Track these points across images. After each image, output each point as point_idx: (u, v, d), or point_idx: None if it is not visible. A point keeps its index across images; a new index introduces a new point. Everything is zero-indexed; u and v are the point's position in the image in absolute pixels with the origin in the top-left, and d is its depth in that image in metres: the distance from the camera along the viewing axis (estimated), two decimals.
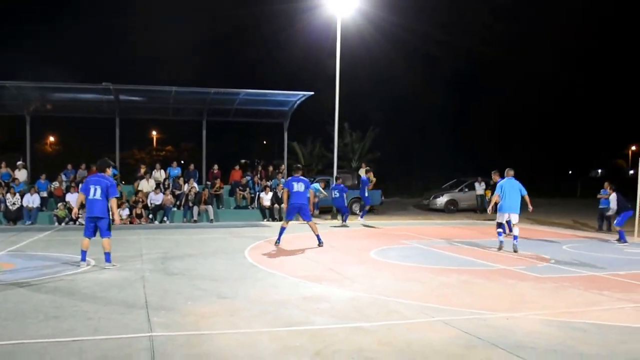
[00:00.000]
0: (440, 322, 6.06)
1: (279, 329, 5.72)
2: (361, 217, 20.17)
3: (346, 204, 18.99)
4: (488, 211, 13.18)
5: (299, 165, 13.47)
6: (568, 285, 8.20)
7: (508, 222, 12.81)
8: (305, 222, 12.64)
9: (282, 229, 12.72)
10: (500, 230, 12.38)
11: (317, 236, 12.53)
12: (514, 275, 9.03)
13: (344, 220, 18.58)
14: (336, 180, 19.66)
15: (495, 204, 12.39)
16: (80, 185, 18.66)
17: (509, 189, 12.11)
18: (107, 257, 9.47)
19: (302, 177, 12.68)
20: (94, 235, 9.44)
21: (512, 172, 12.31)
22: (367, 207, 20.82)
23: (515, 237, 11.85)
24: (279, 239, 12.65)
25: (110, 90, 20.11)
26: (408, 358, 4.90)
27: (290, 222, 12.82)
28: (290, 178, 12.82)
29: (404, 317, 6.29)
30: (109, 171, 9.63)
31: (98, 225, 9.30)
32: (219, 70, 51.73)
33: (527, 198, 12.45)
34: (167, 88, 20.57)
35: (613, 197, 15.10)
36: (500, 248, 12.07)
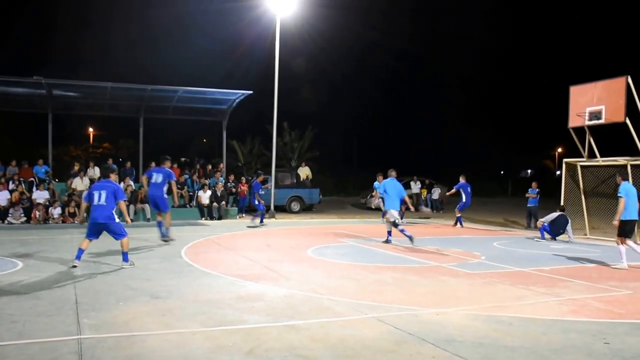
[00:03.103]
0: (373, 318, 6.18)
1: (212, 328, 5.69)
2: (261, 221, 18.11)
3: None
4: (373, 205, 14.18)
5: (167, 156, 13.05)
6: (496, 281, 8.52)
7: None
8: (163, 213, 12.48)
9: (159, 223, 12.63)
10: (390, 230, 13.18)
11: (166, 229, 12.55)
12: (446, 272, 9.30)
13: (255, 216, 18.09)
14: (257, 178, 18.36)
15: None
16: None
17: (391, 189, 12.96)
18: (125, 256, 9.37)
19: (164, 168, 12.45)
20: (98, 237, 9.41)
21: (394, 173, 13.34)
22: (259, 213, 18.22)
23: (402, 231, 12.68)
24: (163, 234, 12.59)
25: (42, 85, 19.38)
26: (340, 354, 4.98)
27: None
28: (152, 168, 12.75)
29: (337, 314, 6.38)
30: (114, 177, 9.70)
31: (109, 231, 9.18)
32: (158, 67, 50.65)
33: (406, 198, 13.47)
34: (103, 84, 20.00)
35: (555, 215, 14.67)
36: (387, 241, 13.04)
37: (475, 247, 12.62)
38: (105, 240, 12.89)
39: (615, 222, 10.21)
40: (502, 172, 56.31)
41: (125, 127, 36.13)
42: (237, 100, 22.09)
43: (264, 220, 18.10)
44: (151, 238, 13.70)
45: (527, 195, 18.52)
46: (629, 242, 10.22)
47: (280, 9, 21.05)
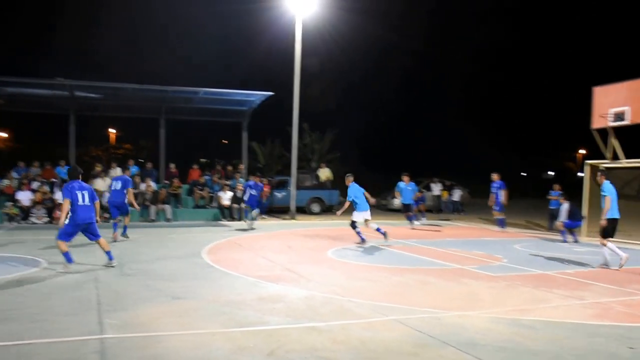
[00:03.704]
0: (394, 321, 6.14)
1: (233, 329, 5.70)
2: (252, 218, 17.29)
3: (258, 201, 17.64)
4: (337, 214, 14.49)
5: (129, 165, 14.42)
6: (519, 284, 8.42)
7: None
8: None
9: (115, 225, 13.41)
10: (359, 229, 13.20)
11: (124, 227, 13.58)
12: (467, 275, 9.21)
13: (253, 217, 17.13)
14: (253, 178, 17.58)
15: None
16: (33, 184, 18.43)
17: (359, 193, 13.27)
18: (110, 255, 9.41)
19: (122, 176, 13.68)
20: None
21: (351, 178, 13.66)
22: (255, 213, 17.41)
23: (378, 229, 13.13)
24: (123, 232, 13.54)
25: (65, 86, 19.64)
26: (362, 357, 4.95)
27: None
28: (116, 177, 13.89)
29: (358, 316, 6.35)
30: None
31: (89, 231, 9.15)
32: (180, 68, 51.14)
33: (366, 194, 13.54)
34: (125, 85, 20.22)
35: (565, 207, 15.04)
36: (362, 242, 13.04)
37: (496, 250, 12.50)
38: (125, 243, 13.03)
39: (603, 222, 10.18)
40: (523, 174, 55.77)
41: (146, 128, 36.51)
42: (257, 102, 22.17)
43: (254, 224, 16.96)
44: (171, 238, 13.81)
45: (548, 197, 18.28)
46: (609, 244, 10.17)
47: (301, 10, 21.07)
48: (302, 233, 16.02)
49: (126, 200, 13.46)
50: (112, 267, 9.29)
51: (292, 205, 21.43)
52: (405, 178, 17.48)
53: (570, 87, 53.81)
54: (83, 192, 9.00)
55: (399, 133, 48.86)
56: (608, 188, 10.32)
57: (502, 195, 16.99)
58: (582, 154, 55.74)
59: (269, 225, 18.13)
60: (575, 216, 14.60)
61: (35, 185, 18.51)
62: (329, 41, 32.03)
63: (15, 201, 17.57)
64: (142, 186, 19.46)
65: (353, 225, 13.19)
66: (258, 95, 21.59)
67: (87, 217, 9.00)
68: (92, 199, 9.12)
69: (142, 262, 10.03)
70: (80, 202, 8.93)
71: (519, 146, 54.38)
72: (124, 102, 22.21)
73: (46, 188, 18.43)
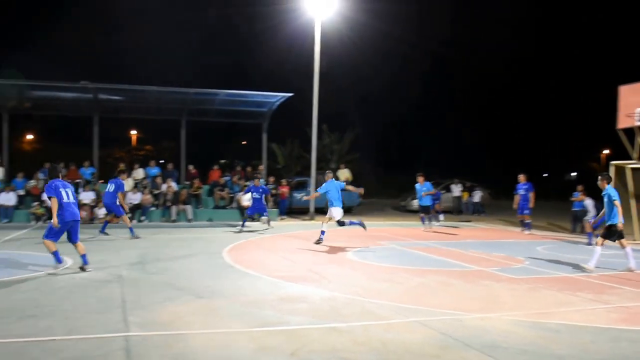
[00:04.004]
0: (415, 322, 6.13)
1: (255, 329, 5.75)
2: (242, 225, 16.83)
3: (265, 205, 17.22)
4: (303, 198, 14.98)
5: (121, 168, 15.09)
6: (541, 287, 8.35)
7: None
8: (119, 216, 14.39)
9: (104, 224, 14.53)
10: (324, 229, 13.26)
11: (130, 228, 14.08)
12: (488, 277, 9.16)
13: (267, 221, 17.23)
14: (255, 182, 17.08)
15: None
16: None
17: (333, 190, 13.23)
18: (85, 259, 9.06)
19: (117, 179, 14.22)
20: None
21: (330, 175, 13.85)
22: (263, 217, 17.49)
23: (351, 222, 13.41)
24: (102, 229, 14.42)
25: (89, 89, 19.93)
26: (384, 358, 4.96)
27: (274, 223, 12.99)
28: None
29: (380, 317, 6.36)
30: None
31: (75, 230, 8.96)
32: (199, 70, 51.47)
33: (349, 187, 13.82)
34: (147, 88, 20.44)
35: (589, 202, 15.10)
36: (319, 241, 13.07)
37: (518, 252, 12.40)
38: (147, 242, 13.19)
39: (620, 225, 9.99)
40: (545, 175, 55.15)
41: (167, 129, 36.86)
42: (277, 103, 22.26)
43: (246, 225, 16.72)
44: (192, 238, 13.94)
45: (572, 199, 18.03)
46: (598, 247, 10.06)
47: (320, 12, 21.11)
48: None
49: (117, 202, 14.12)
50: (87, 271, 8.85)
51: (312, 206, 21.46)
52: (420, 178, 17.22)
53: (593, 86, 53.02)
54: (67, 189, 8.87)
55: (419, 134, 48.60)
56: (614, 193, 10.12)
57: (531, 198, 16.69)
58: (606, 154, 55.00)
59: (288, 226, 18.19)
60: (599, 212, 14.47)
61: None
62: (348, 43, 32.07)
63: (41, 201, 17.89)
64: (164, 187, 19.66)
65: (341, 223, 13.20)
66: (277, 97, 21.68)
67: (74, 214, 8.84)
68: (75, 197, 9.02)
69: (165, 261, 10.15)
70: (65, 199, 8.77)
71: (540, 146, 53.79)
72: (146, 104, 22.45)
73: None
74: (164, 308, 6.53)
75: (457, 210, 26.27)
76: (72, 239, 9.00)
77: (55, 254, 8.83)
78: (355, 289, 7.88)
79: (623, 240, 10.12)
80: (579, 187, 17.87)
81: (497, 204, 29.15)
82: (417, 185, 17.41)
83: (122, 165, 21.24)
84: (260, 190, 16.70)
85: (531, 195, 16.69)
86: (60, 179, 9.06)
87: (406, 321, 6.19)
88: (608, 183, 10.38)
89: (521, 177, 16.99)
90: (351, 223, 13.39)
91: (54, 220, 8.63)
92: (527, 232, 16.85)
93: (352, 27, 26.85)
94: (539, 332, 5.85)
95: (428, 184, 17.46)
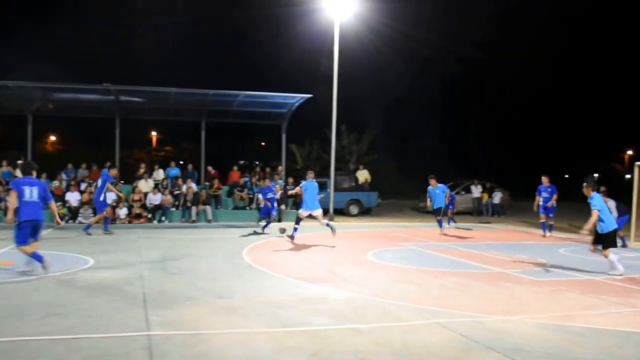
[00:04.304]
0: (436, 324, 6.09)
1: (276, 329, 5.76)
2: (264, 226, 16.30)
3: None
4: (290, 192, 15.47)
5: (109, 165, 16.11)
6: (564, 289, 8.24)
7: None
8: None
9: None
10: (297, 226, 13.48)
11: (105, 221, 14.70)
12: (510, 279, 9.07)
13: (274, 220, 16.65)
14: (265, 182, 16.83)
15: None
16: (81, 185, 18.98)
17: (310, 189, 13.36)
18: (40, 257, 8.42)
19: (103, 174, 15.08)
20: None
21: (312, 175, 13.81)
22: (271, 218, 16.48)
23: (328, 224, 13.65)
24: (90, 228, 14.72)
25: (110, 91, 20.16)
26: None
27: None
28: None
29: (400, 319, 6.33)
30: (35, 174, 8.86)
31: (38, 229, 8.58)
32: (219, 71, 51.83)
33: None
34: (167, 89, 20.59)
35: (612, 204, 14.79)
36: (292, 237, 13.35)
37: (540, 254, 12.25)
38: (168, 243, 13.29)
39: (585, 232, 9.87)
40: (566, 176, 54.52)
41: (186, 130, 37.15)
42: (296, 104, 22.29)
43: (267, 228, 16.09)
44: (212, 239, 14.01)
45: None
46: (611, 255, 9.77)
47: (339, 13, 21.10)
48: (341, 235, 16.00)
49: (101, 198, 14.52)
50: (28, 270, 8.48)
51: (331, 207, 21.45)
52: (432, 181, 16.83)
53: (617, 86, 52.30)
54: (32, 187, 8.35)
55: (440, 134, 48.22)
56: (598, 202, 9.75)
57: (554, 200, 16.28)
58: (630, 155, 54.20)
59: (308, 227, 18.17)
60: (621, 211, 14.34)
61: (83, 186, 19.07)
62: (368, 45, 32.02)
63: (64, 202, 18.15)
64: (184, 188, 19.80)
65: (296, 220, 13.56)
66: (297, 98, 21.70)
67: (33, 214, 8.32)
68: (43, 197, 8.54)
69: (185, 261, 10.22)
70: (27, 197, 8.27)
71: (561, 147, 53.17)
72: (166, 105, 22.61)
73: (93, 189, 18.94)
74: (185, 308, 6.58)
75: (477, 212, 26.06)
76: (32, 235, 8.48)
77: (34, 255, 8.39)
78: (375, 290, 7.85)
79: (608, 251, 9.77)
80: (602, 188, 17.61)
81: (517, 206, 28.84)
82: (430, 188, 17.00)
83: (142, 167, 21.52)
84: (267, 189, 16.27)
85: (555, 197, 16.37)
86: (32, 176, 8.62)
87: (427, 323, 6.15)
88: (594, 190, 10.01)
89: (544, 179, 16.50)
90: (295, 230, 13.50)
91: (9, 216, 8.22)
92: (548, 234, 16.59)
93: (372, 28, 26.82)
94: (563, 335, 5.78)
95: (441, 186, 17.09)
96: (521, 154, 50.43)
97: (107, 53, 60.64)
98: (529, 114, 53.11)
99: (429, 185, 17.06)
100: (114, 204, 18.35)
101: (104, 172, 15.24)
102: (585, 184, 10.18)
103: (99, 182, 14.96)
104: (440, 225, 16.80)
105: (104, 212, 14.85)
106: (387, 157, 41.64)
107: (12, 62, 38.65)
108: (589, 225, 9.79)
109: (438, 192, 16.87)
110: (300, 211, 13.55)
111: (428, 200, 17.34)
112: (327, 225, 13.65)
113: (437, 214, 16.97)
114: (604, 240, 9.74)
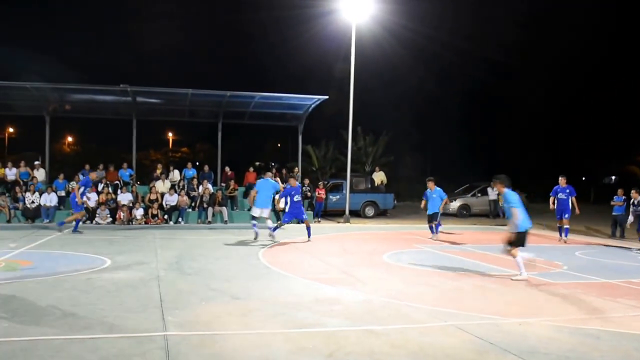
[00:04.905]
0: (452, 326, 6.07)
1: (292, 330, 5.78)
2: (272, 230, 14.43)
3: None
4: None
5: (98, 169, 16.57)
6: (580, 292, 8.17)
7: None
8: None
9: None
10: (254, 222, 13.87)
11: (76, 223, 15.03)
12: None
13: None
14: (291, 182, 14.87)
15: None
16: (98, 186, 19.17)
17: (262, 188, 13.84)
18: None
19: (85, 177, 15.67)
20: None
21: (269, 174, 14.47)
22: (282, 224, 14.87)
23: (273, 229, 13.97)
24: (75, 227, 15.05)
25: (127, 92, 20.34)
26: None
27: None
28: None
29: (416, 320, 6.31)
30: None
31: None
32: (235, 73, 52.07)
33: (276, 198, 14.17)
34: (184, 90, 20.71)
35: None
36: (255, 238, 13.72)
37: (556, 256, 12.14)
38: (184, 243, 13.39)
39: (512, 235, 9.05)
40: (583, 179, 53.96)
41: (202, 131, 37.39)
42: (312, 105, 22.32)
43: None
44: (228, 240, 14.06)
45: (612, 203, 17.60)
46: (519, 256, 9.14)
47: (356, 15, 21.11)
48: (357, 236, 16.02)
49: (76, 200, 14.93)
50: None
51: (347, 209, 21.45)
52: (430, 184, 15.85)
53: (631, 87, 51.61)
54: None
55: (461, 139, 47.90)
56: (513, 198, 9.06)
57: (574, 203, 15.54)
58: None
59: (323, 229, 18.22)
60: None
61: (100, 187, 19.26)
62: (386, 46, 31.96)
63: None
64: (200, 189, 19.92)
65: (252, 217, 14.03)
66: (313, 99, 21.72)
67: None
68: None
69: (202, 262, 10.28)
70: None
71: (577, 149, 52.55)
72: (183, 106, 22.78)
73: (110, 190, 19.15)
74: (201, 308, 6.62)
75: (494, 214, 25.87)
76: None
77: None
78: (390, 292, 7.84)
79: (516, 250, 9.11)
80: (620, 191, 17.46)
81: (534, 208, 28.59)
82: (428, 192, 16.03)
83: (159, 168, 21.69)
84: (299, 191, 15.08)
85: (573, 199, 15.80)
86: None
87: (443, 325, 6.14)
88: (506, 187, 9.30)
89: (561, 180, 15.78)
90: (254, 226, 13.90)
91: None
92: (565, 238, 16.10)
93: (389, 31, 26.78)
94: (580, 338, 5.73)
95: (439, 190, 15.98)
96: (538, 156, 49.95)
97: (122, 55, 61.31)
98: (545, 118, 52.56)
99: (447, 186, 16.79)
100: (130, 205, 18.49)
101: (84, 174, 15.66)
102: (496, 180, 9.48)
103: (78, 184, 15.46)
104: (432, 232, 15.80)
105: (80, 213, 15.41)
106: (404, 159, 41.54)
107: (29, 64, 39.24)
108: (513, 227, 9.06)
109: (435, 196, 15.85)
110: (252, 209, 13.97)
111: (423, 202, 16.31)
112: (270, 229, 13.88)
113: (431, 219, 15.93)
114: (514, 239, 9.07)
